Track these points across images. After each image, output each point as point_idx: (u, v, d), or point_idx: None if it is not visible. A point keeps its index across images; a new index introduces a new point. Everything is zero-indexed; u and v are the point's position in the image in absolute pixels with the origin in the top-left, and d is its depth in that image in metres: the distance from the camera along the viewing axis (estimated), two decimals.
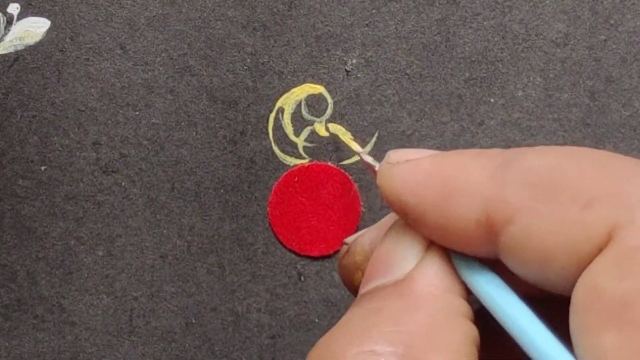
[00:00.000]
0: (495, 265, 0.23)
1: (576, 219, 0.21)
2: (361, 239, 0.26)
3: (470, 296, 0.23)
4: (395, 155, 0.24)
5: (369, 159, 0.31)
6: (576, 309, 0.20)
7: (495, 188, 0.22)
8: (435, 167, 0.23)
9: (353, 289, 0.26)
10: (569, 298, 0.21)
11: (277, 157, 0.38)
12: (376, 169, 0.25)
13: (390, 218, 0.25)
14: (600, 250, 0.21)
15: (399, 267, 0.23)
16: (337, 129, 0.38)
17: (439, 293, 0.23)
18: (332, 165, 0.38)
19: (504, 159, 0.22)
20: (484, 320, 0.23)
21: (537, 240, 0.21)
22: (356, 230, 0.38)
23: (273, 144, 0.38)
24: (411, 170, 0.23)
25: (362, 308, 0.23)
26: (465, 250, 0.23)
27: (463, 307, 0.23)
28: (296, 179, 0.38)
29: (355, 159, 0.38)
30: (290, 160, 0.38)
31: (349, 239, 0.27)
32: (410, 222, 0.24)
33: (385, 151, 0.38)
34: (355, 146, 0.37)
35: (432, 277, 0.23)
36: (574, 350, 0.20)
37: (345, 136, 0.38)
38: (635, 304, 0.19)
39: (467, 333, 0.22)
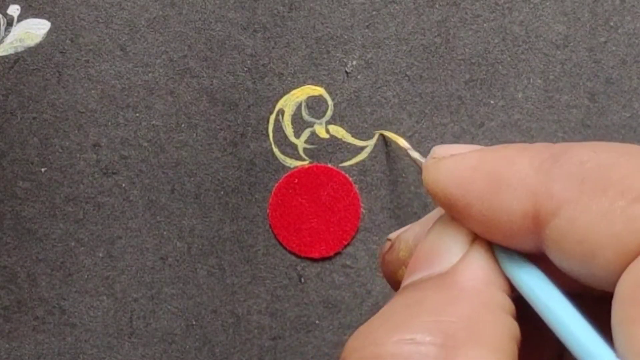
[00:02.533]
0: (540, 261, 0.23)
1: (623, 213, 0.21)
2: (405, 235, 0.27)
3: (513, 293, 0.23)
4: (441, 150, 0.25)
5: (415, 155, 0.31)
6: (619, 301, 0.20)
7: (542, 181, 0.22)
8: (481, 161, 0.23)
9: (397, 285, 0.26)
10: (612, 295, 0.21)
11: (277, 158, 0.38)
12: (423, 164, 0.25)
13: (435, 214, 0.26)
14: None
15: (443, 260, 0.24)
16: (337, 130, 0.38)
17: (482, 287, 0.23)
18: (333, 167, 0.38)
19: (552, 152, 0.23)
20: (526, 317, 0.23)
21: (583, 233, 0.21)
22: (356, 233, 0.38)
23: (273, 146, 0.38)
24: (457, 164, 0.24)
25: (405, 298, 0.23)
26: (509, 244, 0.23)
27: (506, 303, 0.23)
28: (296, 180, 0.38)
29: (355, 160, 0.38)
30: (291, 162, 0.38)
31: (392, 235, 0.27)
32: (455, 215, 0.24)
33: (387, 153, 0.38)
34: (402, 142, 0.37)
35: (476, 270, 0.23)
36: (614, 345, 0.20)
37: (391, 133, 0.38)
38: None
39: (508, 328, 0.22)
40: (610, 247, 0.21)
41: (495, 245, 0.24)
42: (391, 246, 0.27)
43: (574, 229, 0.21)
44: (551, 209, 0.22)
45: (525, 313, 0.23)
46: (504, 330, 0.22)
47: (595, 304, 0.22)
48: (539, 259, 0.23)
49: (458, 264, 0.23)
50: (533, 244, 0.23)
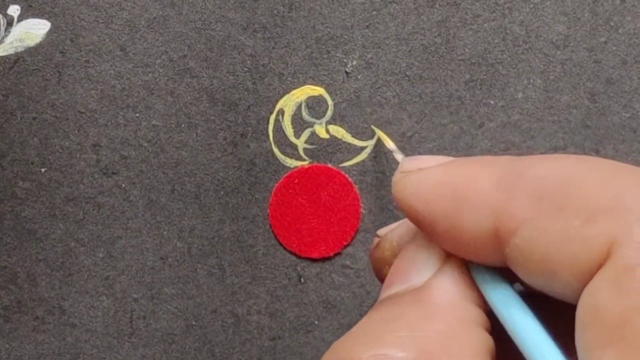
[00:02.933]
0: (510, 273, 0.23)
1: (577, 234, 0.21)
2: (390, 235, 0.27)
3: (488, 307, 0.24)
4: (409, 163, 0.25)
5: (399, 158, 0.31)
6: (580, 326, 0.20)
7: (502, 199, 0.22)
8: (445, 176, 0.23)
9: (382, 281, 0.26)
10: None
11: (277, 158, 0.38)
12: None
13: None
14: (600, 265, 0.20)
15: (417, 275, 0.24)
16: (337, 130, 0.38)
17: (455, 302, 0.23)
18: (333, 167, 0.38)
19: (513, 169, 0.23)
20: (503, 331, 0.23)
21: (541, 253, 0.21)
22: (356, 233, 0.38)
23: (273, 146, 0.38)
24: (422, 180, 0.24)
25: (380, 313, 0.23)
26: (477, 259, 0.23)
27: (480, 317, 0.23)
28: (296, 180, 0.38)
29: (355, 160, 0.38)
30: (291, 162, 0.38)
31: (381, 231, 0.28)
32: (424, 230, 0.24)
33: (386, 153, 0.38)
34: (389, 143, 0.37)
35: (450, 285, 0.23)
36: None
37: (382, 132, 0.38)
38: (632, 322, 0.19)
39: (482, 342, 0.22)
40: (568, 267, 0.21)
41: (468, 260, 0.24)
42: (378, 244, 0.27)
43: (532, 249, 0.21)
44: (510, 228, 0.22)
45: (501, 326, 0.23)
46: (479, 344, 0.22)
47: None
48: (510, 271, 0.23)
49: (432, 279, 0.24)
50: (498, 260, 0.23)
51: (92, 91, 0.38)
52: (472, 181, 0.23)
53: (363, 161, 0.38)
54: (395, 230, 0.27)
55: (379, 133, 0.37)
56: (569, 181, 0.22)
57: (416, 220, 0.24)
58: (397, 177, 0.24)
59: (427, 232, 0.24)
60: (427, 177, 0.24)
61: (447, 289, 0.23)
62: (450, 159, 0.25)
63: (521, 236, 0.22)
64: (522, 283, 0.23)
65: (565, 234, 0.21)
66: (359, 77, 0.38)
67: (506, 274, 0.23)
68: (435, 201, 0.23)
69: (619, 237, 0.20)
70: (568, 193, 0.21)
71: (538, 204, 0.21)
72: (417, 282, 0.24)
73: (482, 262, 0.23)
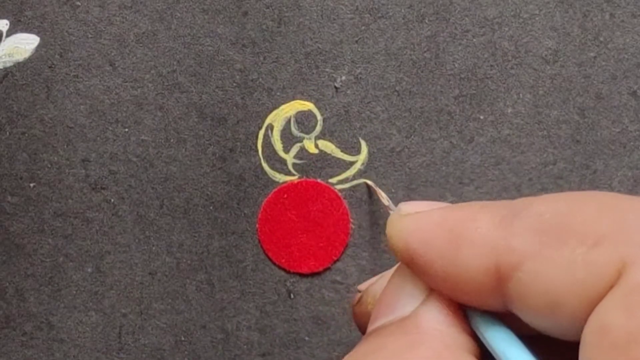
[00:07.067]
0: (505, 318, 0.23)
1: (584, 260, 0.21)
2: (372, 288, 0.27)
3: (476, 335, 0.23)
4: (407, 206, 0.25)
5: (391, 210, 0.31)
6: (585, 346, 0.20)
7: (503, 236, 0.22)
8: (444, 218, 0.23)
9: None
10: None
11: (266, 173, 0.38)
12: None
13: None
14: (610, 288, 0.20)
15: (404, 305, 0.24)
16: (327, 145, 0.38)
17: (443, 329, 0.23)
18: (322, 182, 0.38)
19: (512, 208, 0.23)
20: (491, 357, 0.23)
21: (546, 284, 0.21)
22: (346, 248, 0.38)
23: (262, 161, 0.38)
24: (421, 220, 0.24)
25: (368, 345, 0.23)
26: (472, 303, 0.23)
27: (468, 343, 0.23)
28: (285, 195, 0.38)
29: (344, 175, 0.38)
30: (280, 177, 0.38)
31: (362, 286, 0.28)
32: (418, 272, 0.24)
33: (376, 168, 0.38)
34: (384, 198, 0.37)
35: (437, 314, 0.23)
36: None
37: (377, 187, 0.37)
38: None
39: None
40: (574, 295, 0.21)
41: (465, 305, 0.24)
42: (360, 299, 0.27)
43: (537, 281, 0.21)
44: (513, 263, 0.22)
45: (488, 352, 0.23)
46: None
47: (564, 344, 0.22)
48: (506, 316, 0.23)
49: (419, 308, 0.24)
50: (496, 302, 0.23)
51: (81, 106, 0.38)
52: (471, 221, 0.23)
53: (352, 176, 0.38)
54: (377, 284, 0.27)
55: (373, 187, 0.37)
56: (568, 213, 0.22)
57: (411, 261, 0.24)
58: (393, 218, 0.24)
59: (422, 274, 0.24)
60: (425, 218, 0.24)
61: (434, 318, 0.23)
62: (446, 204, 0.25)
63: (525, 270, 0.21)
64: (520, 328, 0.23)
65: (572, 262, 0.21)
66: (348, 92, 0.38)
67: (503, 320, 0.23)
68: (433, 240, 0.23)
69: (628, 258, 0.20)
70: (569, 223, 0.21)
71: (541, 237, 0.21)
72: (403, 313, 0.24)
73: (478, 305, 0.23)
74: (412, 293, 0.24)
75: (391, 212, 0.27)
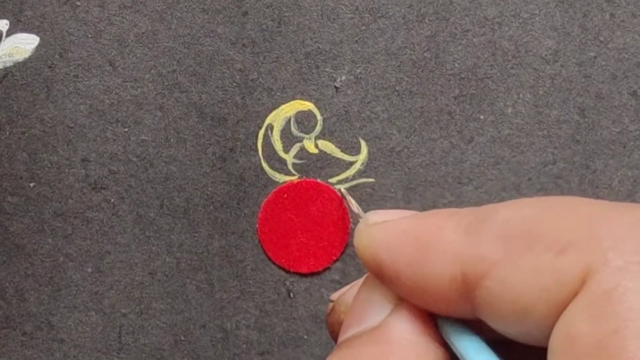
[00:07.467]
0: (476, 325, 0.23)
1: (550, 266, 0.21)
2: (345, 297, 0.27)
3: (447, 344, 0.23)
4: (374, 216, 0.25)
5: (361, 218, 0.31)
6: (554, 354, 0.20)
7: (469, 244, 0.22)
8: (411, 226, 0.23)
9: None
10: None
11: (266, 173, 0.38)
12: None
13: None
14: (575, 295, 0.20)
15: (374, 315, 0.24)
16: (327, 145, 0.38)
17: (412, 338, 0.23)
18: (322, 182, 0.38)
19: (478, 215, 0.23)
20: None
21: (514, 292, 0.21)
22: (345, 248, 0.38)
23: (262, 161, 0.38)
24: (388, 230, 0.24)
25: (339, 356, 0.23)
26: (441, 311, 0.23)
27: (438, 352, 0.23)
28: (285, 195, 0.38)
29: (344, 175, 0.38)
30: (280, 177, 0.38)
31: (334, 296, 0.28)
32: (386, 282, 0.24)
33: (376, 168, 0.38)
34: (354, 206, 0.37)
35: (406, 323, 0.23)
36: None
37: (349, 196, 0.38)
38: (608, 348, 0.19)
39: None
40: (542, 301, 0.21)
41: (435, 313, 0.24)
42: (332, 308, 0.27)
43: (504, 289, 0.21)
44: (480, 271, 0.22)
45: None
46: None
47: (536, 349, 0.22)
48: (475, 323, 0.23)
49: (389, 317, 0.23)
50: (465, 309, 0.23)
51: (81, 106, 0.38)
52: (437, 229, 0.23)
53: (352, 176, 0.38)
54: (348, 293, 0.27)
55: (344, 195, 0.37)
56: (535, 219, 0.21)
57: (379, 271, 0.24)
58: (360, 228, 0.24)
59: (389, 283, 0.24)
60: (392, 227, 0.24)
61: (404, 327, 0.23)
62: (414, 212, 0.25)
63: (492, 277, 0.21)
64: (491, 333, 0.23)
65: (538, 269, 0.21)
66: (348, 92, 0.38)
67: (471, 326, 0.23)
68: (400, 249, 0.23)
69: (593, 264, 0.20)
70: (536, 230, 0.21)
71: (507, 244, 0.21)
72: (373, 323, 0.24)
73: (448, 313, 0.23)
74: (381, 303, 0.24)
75: (360, 219, 0.27)
